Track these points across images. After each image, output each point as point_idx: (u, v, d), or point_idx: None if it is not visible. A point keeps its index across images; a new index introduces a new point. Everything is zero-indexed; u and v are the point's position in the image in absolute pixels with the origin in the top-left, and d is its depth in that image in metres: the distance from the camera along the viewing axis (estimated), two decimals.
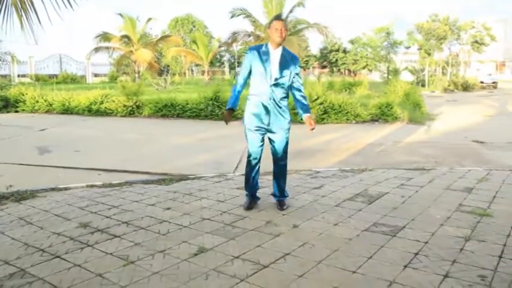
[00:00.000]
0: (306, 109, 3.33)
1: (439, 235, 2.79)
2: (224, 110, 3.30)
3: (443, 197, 3.75)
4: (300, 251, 2.55)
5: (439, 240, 2.69)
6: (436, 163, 5.54)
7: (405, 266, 2.33)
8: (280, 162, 3.34)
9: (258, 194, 3.48)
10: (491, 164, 5.52)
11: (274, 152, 3.33)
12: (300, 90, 3.31)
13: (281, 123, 3.24)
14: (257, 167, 3.35)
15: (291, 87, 3.28)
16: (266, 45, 3.22)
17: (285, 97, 3.25)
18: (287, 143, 3.33)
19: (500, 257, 2.44)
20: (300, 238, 2.75)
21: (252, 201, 3.41)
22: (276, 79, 3.16)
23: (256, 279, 2.20)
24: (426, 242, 2.66)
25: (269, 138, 3.29)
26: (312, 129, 3.18)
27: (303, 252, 2.52)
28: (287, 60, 3.19)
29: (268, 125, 3.22)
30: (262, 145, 3.30)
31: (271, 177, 3.57)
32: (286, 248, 2.59)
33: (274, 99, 3.18)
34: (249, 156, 3.32)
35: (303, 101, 3.33)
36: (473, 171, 4.85)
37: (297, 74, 3.26)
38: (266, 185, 4.00)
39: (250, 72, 3.23)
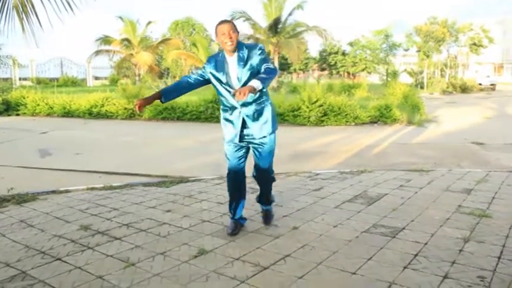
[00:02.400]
0: (256, 79, 2.50)
1: (438, 236, 2.80)
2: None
3: (442, 198, 3.76)
4: (299, 252, 2.56)
5: (439, 242, 2.70)
6: (435, 164, 5.55)
7: (405, 267, 2.34)
8: (265, 175, 2.89)
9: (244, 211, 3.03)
10: (490, 165, 5.53)
11: (257, 164, 2.85)
12: (266, 66, 2.63)
13: (261, 130, 2.73)
14: (241, 186, 2.89)
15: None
16: (222, 53, 2.74)
17: (258, 96, 2.70)
18: (272, 153, 2.83)
19: (499, 257, 2.45)
20: (299, 240, 2.76)
21: (238, 225, 2.95)
22: (240, 85, 2.63)
23: (256, 281, 2.21)
24: (425, 243, 2.67)
25: (252, 149, 2.83)
26: (234, 95, 2.52)
27: (303, 254, 2.54)
28: (245, 56, 2.65)
29: (243, 138, 2.75)
30: (243, 159, 2.85)
31: None
32: (286, 249, 2.60)
33: (246, 106, 2.69)
34: (229, 172, 2.88)
35: (266, 70, 2.61)
36: (472, 173, 4.86)
37: (263, 60, 2.65)
38: None
39: (203, 78, 2.76)
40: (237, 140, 2.76)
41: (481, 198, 3.73)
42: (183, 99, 12.01)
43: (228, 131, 2.79)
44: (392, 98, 12.26)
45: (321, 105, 10.06)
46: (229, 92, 2.69)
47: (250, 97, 2.62)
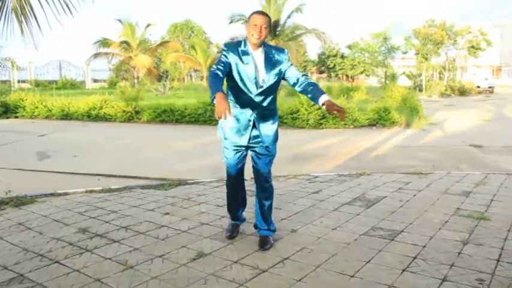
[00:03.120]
0: (321, 91, 2.50)
1: (437, 239, 2.80)
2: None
3: (441, 201, 3.76)
4: (298, 255, 2.56)
5: (437, 244, 2.70)
6: (434, 167, 5.56)
7: (403, 270, 2.34)
8: (264, 183, 2.69)
9: (244, 213, 2.96)
10: (489, 167, 5.54)
11: (256, 171, 2.69)
12: (304, 76, 2.59)
13: (267, 135, 2.60)
14: (240, 190, 2.83)
15: (287, 81, 2.63)
16: (245, 43, 2.55)
17: (271, 104, 2.61)
18: (272, 160, 2.70)
19: (498, 260, 2.46)
20: (298, 243, 2.76)
21: (236, 228, 2.91)
22: (263, 87, 2.53)
23: (254, 284, 2.20)
24: (424, 246, 2.68)
25: (251, 154, 2.67)
26: (335, 112, 2.40)
27: (302, 257, 2.53)
28: (273, 59, 2.56)
29: (250, 141, 2.60)
30: (242, 163, 2.72)
31: None
32: (284, 252, 2.60)
33: (258, 109, 2.56)
34: (228, 176, 2.77)
35: (315, 86, 2.54)
36: (470, 175, 4.87)
37: (291, 65, 2.61)
38: None
39: (227, 66, 2.51)
40: (244, 141, 2.58)
41: (480, 200, 3.74)
42: (181, 102, 12.04)
43: (232, 130, 2.59)
44: (390, 100, 12.29)
45: (320, 108, 10.06)
46: (246, 86, 2.50)
47: (268, 99, 2.56)
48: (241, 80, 2.52)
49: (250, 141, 2.60)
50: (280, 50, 2.65)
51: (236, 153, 2.66)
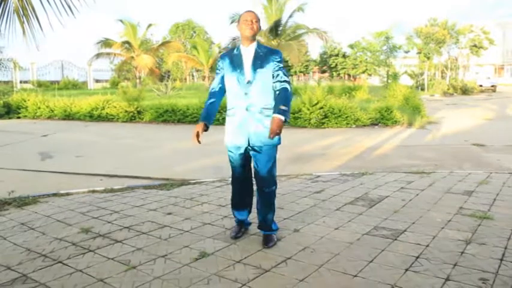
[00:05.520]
0: (279, 106, 2.50)
1: (439, 238, 2.80)
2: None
3: (443, 200, 3.75)
4: (301, 255, 2.56)
5: (440, 244, 2.70)
6: (436, 166, 5.55)
7: (406, 270, 2.33)
8: (264, 188, 2.68)
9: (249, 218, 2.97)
10: (491, 167, 5.52)
11: (256, 175, 2.70)
12: (281, 82, 2.58)
13: (264, 138, 2.59)
14: (246, 191, 2.82)
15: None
16: (238, 47, 2.71)
17: (267, 104, 2.62)
18: (274, 163, 2.68)
19: (501, 259, 2.45)
20: (301, 242, 2.75)
21: (243, 228, 2.91)
22: (250, 82, 2.59)
23: (257, 284, 2.20)
24: (427, 246, 2.67)
25: (251, 153, 2.69)
26: (270, 135, 2.47)
27: (304, 257, 2.53)
28: (262, 57, 2.61)
29: (248, 142, 2.63)
30: (247, 163, 2.77)
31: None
32: (287, 252, 2.60)
33: (252, 109, 2.59)
34: (233, 176, 2.82)
35: (281, 94, 2.55)
36: (473, 174, 4.85)
37: (279, 68, 2.61)
38: None
39: (223, 81, 2.73)
40: (242, 141, 2.63)
41: (483, 200, 3.73)
42: (183, 102, 12.05)
43: (232, 136, 2.67)
44: (393, 100, 12.26)
45: (322, 108, 10.06)
46: (238, 83, 2.62)
47: (261, 99, 2.60)
48: (232, 80, 2.66)
49: (250, 141, 2.63)
50: (273, 51, 2.69)
51: (239, 154, 2.70)
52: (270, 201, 2.74)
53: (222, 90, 2.75)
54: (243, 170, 2.76)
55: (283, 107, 2.49)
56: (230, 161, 2.77)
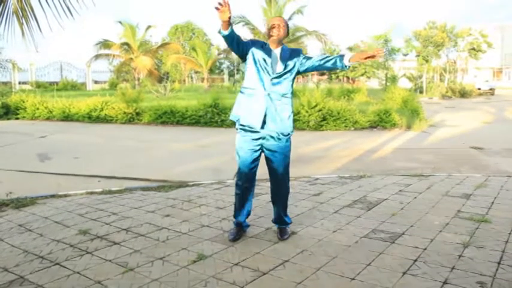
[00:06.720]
0: (342, 54, 2.78)
1: (437, 241, 2.80)
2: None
3: (441, 203, 3.76)
4: (299, 258, 2.56)
5: (438, 247, 2.70)
6: (434, 169, 5.56)
7: (404, 273, 2.34)
8: (281, 182, 2.88)
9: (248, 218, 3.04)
10: (489, 170, 5.54)
11: (272, 169, 2.85)
12: (318, 56, 2.86)
13: (280, 125, 2.75)
14: (250, 193, 2.89)
15: (311, 66, 2.83)
16: (267, 43, 2.84)
17: (286, 93, 2.81)
18: (288, 157, 2.87)
19: (499, 263, 2.45)
20: (299, 245, 2.75)
21: (241, 230, 2.95)
22: (279, 73, 2.75)
23: (255, 286, 2.20)
24: (425, 249, 2.67)
25: (265, 152, 2.81)
26: (374, 56, 2.59)
27: (302, 259, 2.53)
28: (289, 54, 2.82)
29: (263, 126, 2.72)
30: (256, 164, 2.82)
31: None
32: (285, 255, 2.60)
33: (273, 95, 2.74)
34: (239, 178, 2.84)
35: (333, 57, 2.80)
36: (471, 178, 4.86)
37: (305, 57, 2.85)
38: (266, 191, 4.02)
39: (246, 49, 2.76)
40: (258, 122, 2.70)
41: (481, 203, 3.74)
42: (182, 104, 12.04)
43: (247, 113, 2.74)
44: (391, 102, 12.28)
45: (320, 110, 10.07)
46: (265, 70, 2.73)
47: (283, 88, 2.77)
48: (259, 63, 2.76)
49: (264, 125, 2.72)
50: (296, 50, 2.92)
51: (251, 147, 2.76)
52: (286, 196, 2.93)
53: (240, 45, 2.73)
54: (251, 169, 2.80)
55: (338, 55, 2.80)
56: (238, 155, 2.81)
